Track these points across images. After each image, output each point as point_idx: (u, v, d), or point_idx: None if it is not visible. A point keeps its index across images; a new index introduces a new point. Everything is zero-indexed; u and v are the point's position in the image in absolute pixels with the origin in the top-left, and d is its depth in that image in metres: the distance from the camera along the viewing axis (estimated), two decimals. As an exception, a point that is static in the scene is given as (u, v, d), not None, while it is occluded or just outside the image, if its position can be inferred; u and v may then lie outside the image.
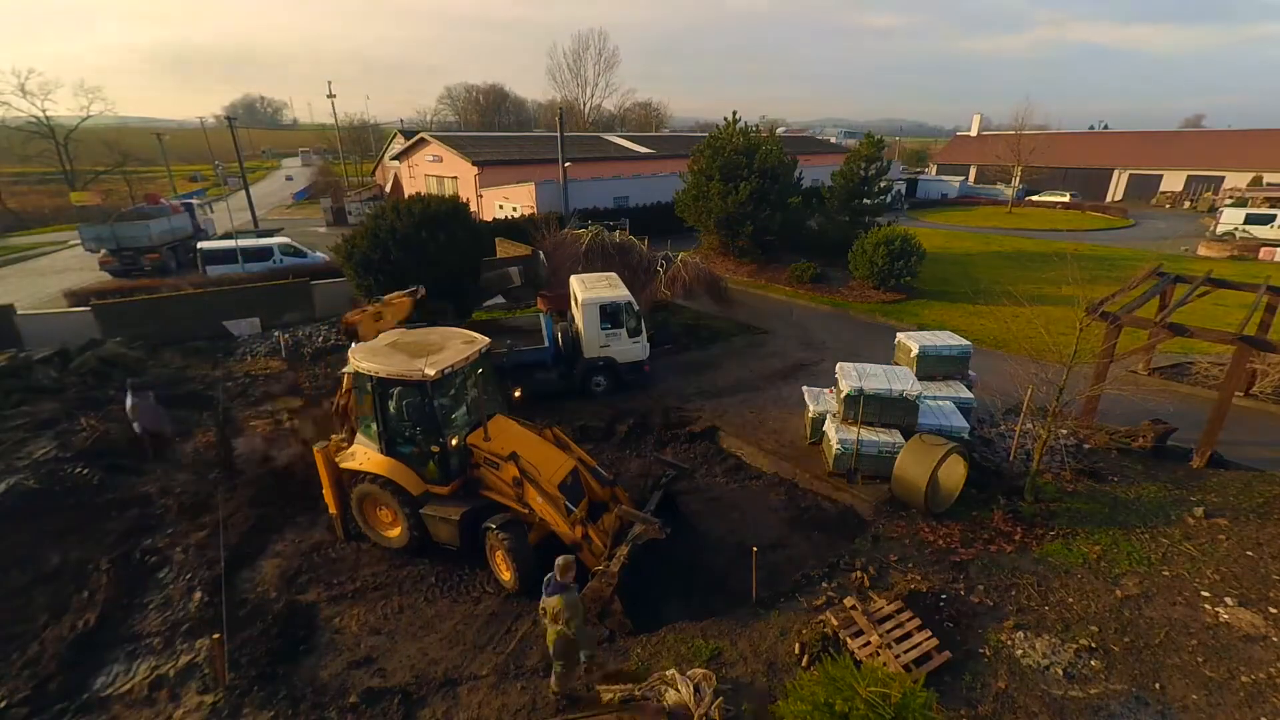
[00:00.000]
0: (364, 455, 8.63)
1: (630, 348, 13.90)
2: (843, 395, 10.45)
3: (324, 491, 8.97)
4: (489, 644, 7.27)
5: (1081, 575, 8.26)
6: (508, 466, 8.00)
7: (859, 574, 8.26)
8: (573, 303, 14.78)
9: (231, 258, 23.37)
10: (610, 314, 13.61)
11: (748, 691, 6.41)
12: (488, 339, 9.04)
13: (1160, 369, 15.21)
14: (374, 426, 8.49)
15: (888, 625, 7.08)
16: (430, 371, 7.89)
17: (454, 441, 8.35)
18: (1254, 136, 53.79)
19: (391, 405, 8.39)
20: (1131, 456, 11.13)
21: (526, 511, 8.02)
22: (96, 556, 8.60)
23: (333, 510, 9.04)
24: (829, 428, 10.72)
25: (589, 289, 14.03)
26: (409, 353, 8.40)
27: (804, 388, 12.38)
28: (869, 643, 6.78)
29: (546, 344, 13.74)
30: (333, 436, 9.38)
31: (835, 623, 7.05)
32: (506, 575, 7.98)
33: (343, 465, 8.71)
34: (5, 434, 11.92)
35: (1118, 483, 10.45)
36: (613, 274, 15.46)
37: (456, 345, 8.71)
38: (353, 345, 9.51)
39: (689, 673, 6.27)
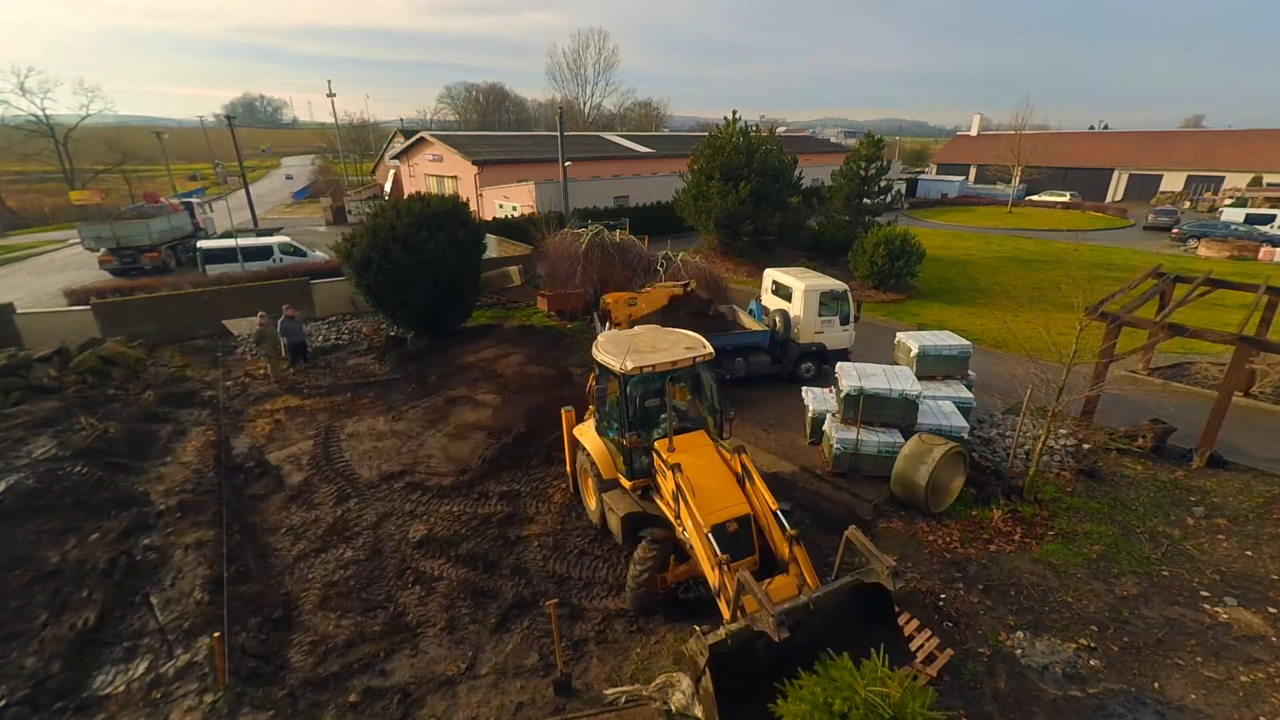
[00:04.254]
0: (588, 429, 9.26)
1: (840, 334, 14.58)
2: (842, 395, 10.46)
3: (565, 451, 9.92)
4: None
5: (1081, 575, 8.27)
6: (671, 477, 7.24)
7: (858, 574, 8.26)
8: (767, 292, 15.79)
9: (231, 256, 23.35)
10: (829, 301, 14.28)
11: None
12: (710, 350, 8.34)
13: (1160, 369, 15.22)
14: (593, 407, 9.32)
15: None
16: (629, 365, 7.83)
17: (633, 439, 7.89)
18: (1254, 136, 53.79)
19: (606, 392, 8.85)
20: (1131, 456, 11.14)
21: (683, 534, 7.17)
22: (96, 555, 8.59)
23: (567, 469, 10.05)
24: (829, 427, 10.72)
25: (803, 278, 14.63)
26: (632, 346, 8.34)
27: (804, 388, 12.39)
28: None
29: (760, 329, 14.55)
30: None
31: None
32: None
33: (574, 432, 9.47)
34: (5, 433, 11.92)
35: (1118, 483, 10.45)
36: (803, 268, 16.92)
37: (675, 348, 8.32)
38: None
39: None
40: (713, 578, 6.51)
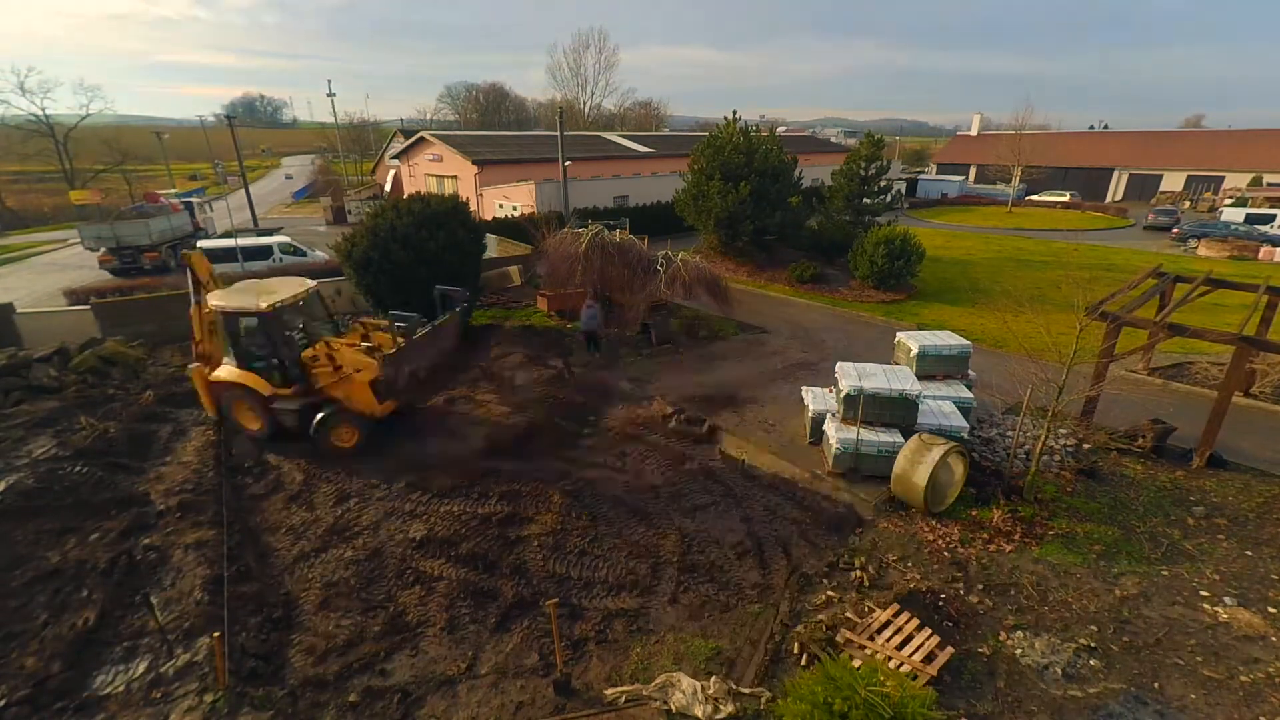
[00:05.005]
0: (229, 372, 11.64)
1: None
2: (842, 395, 10.46)
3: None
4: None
5: (1081, 575, 8.27)
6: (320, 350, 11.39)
7: (859, 573, 8.27)
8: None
9: (231, 256, 23.35)
10: None
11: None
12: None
13: (1160, 369, 15.22)
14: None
15: (887, 633, 7.08)
16: (263, 304, 10.84)
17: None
18: (1254, 136, 53.80)
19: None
20: (1131, 456, 11.14)
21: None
22: (96, 555, 8.60)
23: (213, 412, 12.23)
24: (829, 427, 10.72)
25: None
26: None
27: (804, 387, 12.39)
28: (872, 655, 6.77)
29: None
30: None
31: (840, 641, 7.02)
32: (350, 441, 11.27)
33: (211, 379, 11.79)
34: (5, 432, 11.92)
35: (1118, 483, 10.46)
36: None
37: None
38: None
39: (708, 690, 6.24)
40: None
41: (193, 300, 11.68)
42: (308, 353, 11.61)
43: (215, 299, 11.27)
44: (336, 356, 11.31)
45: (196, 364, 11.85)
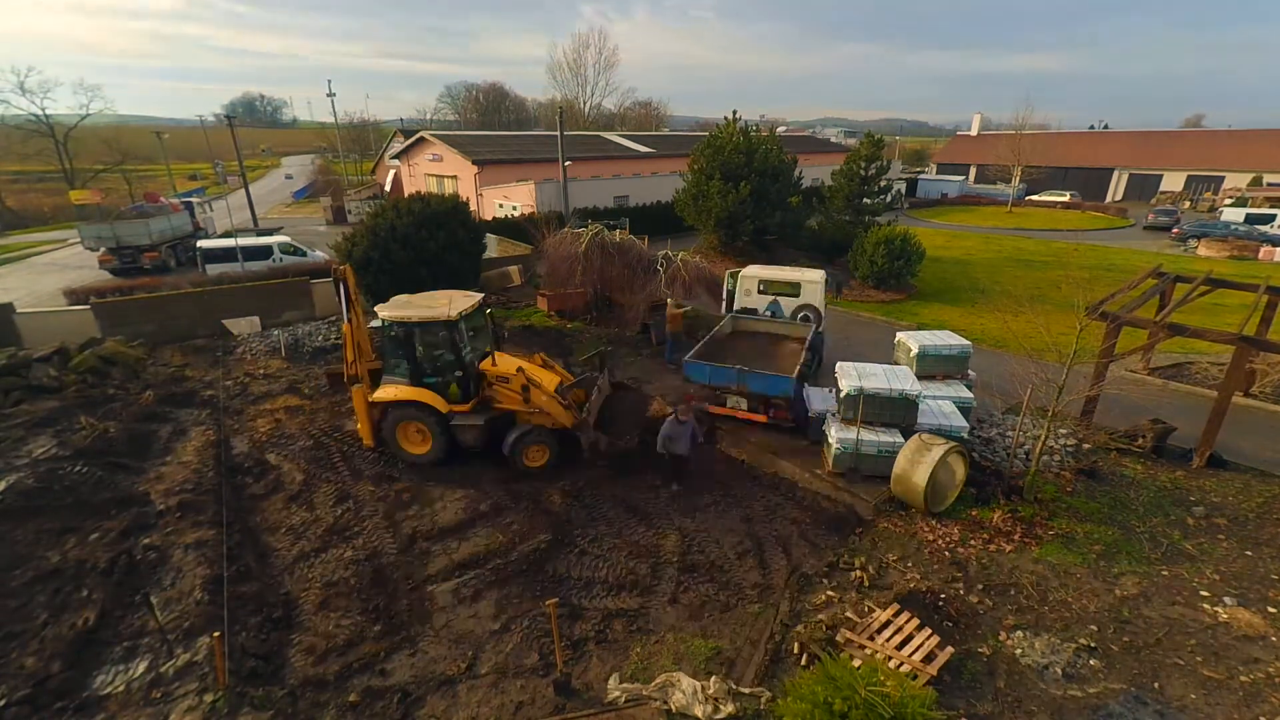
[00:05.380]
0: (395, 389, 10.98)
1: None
2: (842, 394, 10.45)
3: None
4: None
5: (1081, 575, 8.27)
6: (517, 379, 10.43)
7: (859, 573, 8.27)
8: (750, 293, 16.00)
9: (231, 256, 23.35)
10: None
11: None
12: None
13: (1160, 369, 15.22)
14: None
15: (887, 633, 7.08)
16: (453, 312, 10.29)
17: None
18: (1254, 136, 53.80)
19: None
20: (1131, 456, 11.14)
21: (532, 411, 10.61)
22: (96, 555, 8.59)
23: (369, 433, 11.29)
24: (829, 427, 10.72)
25: (801, 273, 15.72)
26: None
27: (806, 387, 12.38)
28: (872, 655, 6.77)
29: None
30: None
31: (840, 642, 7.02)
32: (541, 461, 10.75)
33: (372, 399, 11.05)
34: (5, 432, 11.92)
35: (1118, 483, 10.46)
36: (767, 265, 18.03)
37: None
38: None
39: (708, 690, 6.24)
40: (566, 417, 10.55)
41: (344, 317, 10.83)
42: (485, 364, 10.83)
43: (389, 311, 10.45)
44: (533, 391, 10.39)
45: (357, 386, 10.77)
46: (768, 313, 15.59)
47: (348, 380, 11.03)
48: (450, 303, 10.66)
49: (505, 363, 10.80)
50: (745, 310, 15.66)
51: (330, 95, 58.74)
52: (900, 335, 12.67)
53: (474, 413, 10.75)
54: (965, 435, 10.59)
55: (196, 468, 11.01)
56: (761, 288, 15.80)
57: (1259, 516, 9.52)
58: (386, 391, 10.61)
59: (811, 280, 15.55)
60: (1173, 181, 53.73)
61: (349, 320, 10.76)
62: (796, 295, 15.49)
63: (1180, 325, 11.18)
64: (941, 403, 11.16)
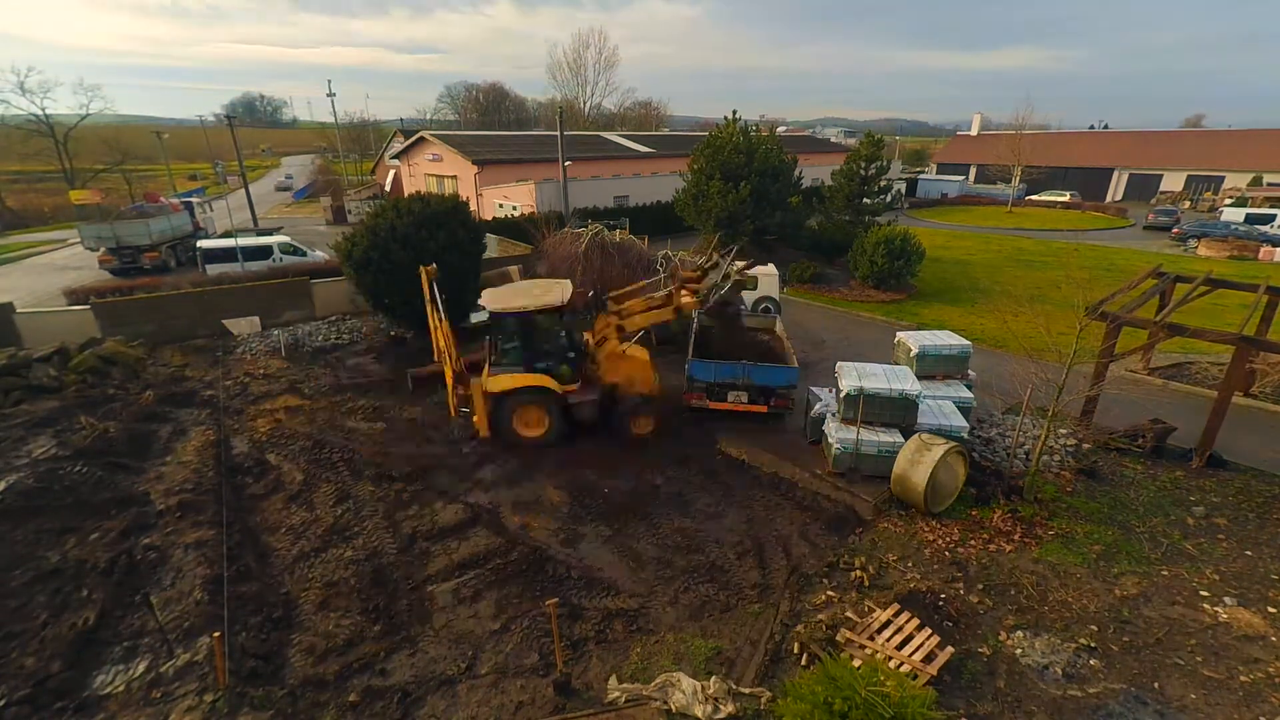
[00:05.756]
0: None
1: None
2: (842, 394, 10.45)
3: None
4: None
5: (1080, 575, 8.27)
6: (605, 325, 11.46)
7: (859, 573, 8.27)
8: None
9: (231, 256, 23.35)
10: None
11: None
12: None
13: (1160, 369, 15.22)
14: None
15: (887, 633, 7.08)
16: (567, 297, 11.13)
17: None
18: (1254, 136, 53.81)
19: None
20: (1131, 456, 11.14)
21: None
22: (96, 555, 8.59)
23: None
24: (829, 427, 10.72)
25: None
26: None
27: (809, 387, 12.38)
28: (872, 655, 6.77)
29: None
30: None
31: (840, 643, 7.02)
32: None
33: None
34: (5, 432, 11.92)
35: (1118, 483, 10.46)
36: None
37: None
38: None
39: (708, 690, 6.24)
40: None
41: (439, 315, 11.06)
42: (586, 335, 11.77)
43: (494, 303, 11.01)
44: (626, 321, 11.40)
45: (476, 380, 11.27)
46: None
47: (455, 375, 11.12)
48: (561, 290, 11.30)
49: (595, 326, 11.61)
50: None
51: (330, 95, 58.76)
52: (900, 335, 12.67)
53: (586, 390, 11.46)
54: (965, 435, 10.59)
55: (196, 468, 11.01)
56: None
57: (1259, 516, 9.52)
58: (502, 381, 11.01)
59: (768, 274, 16.78)
60: (1173, 181, 53.74)
61: (439, 319, 11.04)
62: (754, 288, 16.18)
63: (1180, 325, 11.18)
64: (941, 403, 11.16)
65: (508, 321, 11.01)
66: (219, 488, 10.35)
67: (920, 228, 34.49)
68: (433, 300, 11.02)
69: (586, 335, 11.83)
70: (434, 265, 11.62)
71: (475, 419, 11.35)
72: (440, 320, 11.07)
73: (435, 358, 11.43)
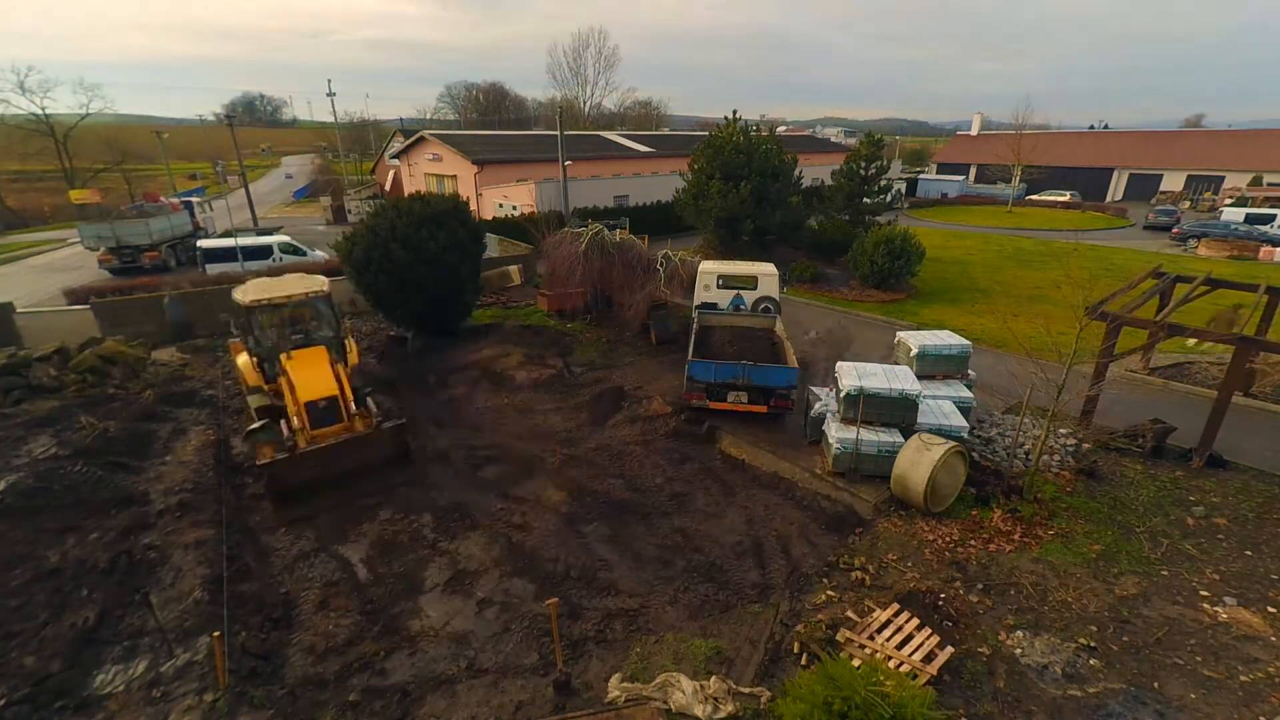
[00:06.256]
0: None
1: None
2: (842, 394, 10.45)
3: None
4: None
5: (1080, 575, 8.27)
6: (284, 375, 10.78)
7: (858, 573, 8.27)
8: (709, 288, 16.38)
9: (231, 256, 23.35)
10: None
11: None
12: (322, 286, 11.79)
13: (1160, 369, 15.22)
14: None
15: (887, 633, 7.08)
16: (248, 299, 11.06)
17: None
18: (1254, 136, 53.83)
19: None
20: (1131, 456, 11.14)
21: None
22: (96, 554, 8.59)
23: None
24: (828, 427, 10.72)
25: (756, 266, 16.30)
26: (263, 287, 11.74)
27: (809, 388, 12.39)
28: (872, 655, 6.77)
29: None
30: None
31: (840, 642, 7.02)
32: None
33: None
34: (5, 432, 11.92)
35: (1118, 483, 10.46)
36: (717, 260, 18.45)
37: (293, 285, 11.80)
38: None
39: (708, 689, 6.24)
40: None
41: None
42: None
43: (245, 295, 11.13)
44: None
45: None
46: (731, 306, 16.01)
47: None
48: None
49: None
50: (705, 305, 16.00)
51: (330, 95, 58.69)
52: (900, 335, 12.67)
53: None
54: (965, 435, 10.59)
55: (196, 467, 11.01)
56: (720, 282, 16.22)
57: (1259, 516, 9.52)
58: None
59: (767, 274, 16.27)
60: (1173, 181, 53.73)
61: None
62: (755, 288, 16.10)
63: (1180, 325, 11.19)
64: (941, 403, 11.16)
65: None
66: (218, 487, 10.35)
67: (920, 227, 34.48)
68: None
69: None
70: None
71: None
72: None
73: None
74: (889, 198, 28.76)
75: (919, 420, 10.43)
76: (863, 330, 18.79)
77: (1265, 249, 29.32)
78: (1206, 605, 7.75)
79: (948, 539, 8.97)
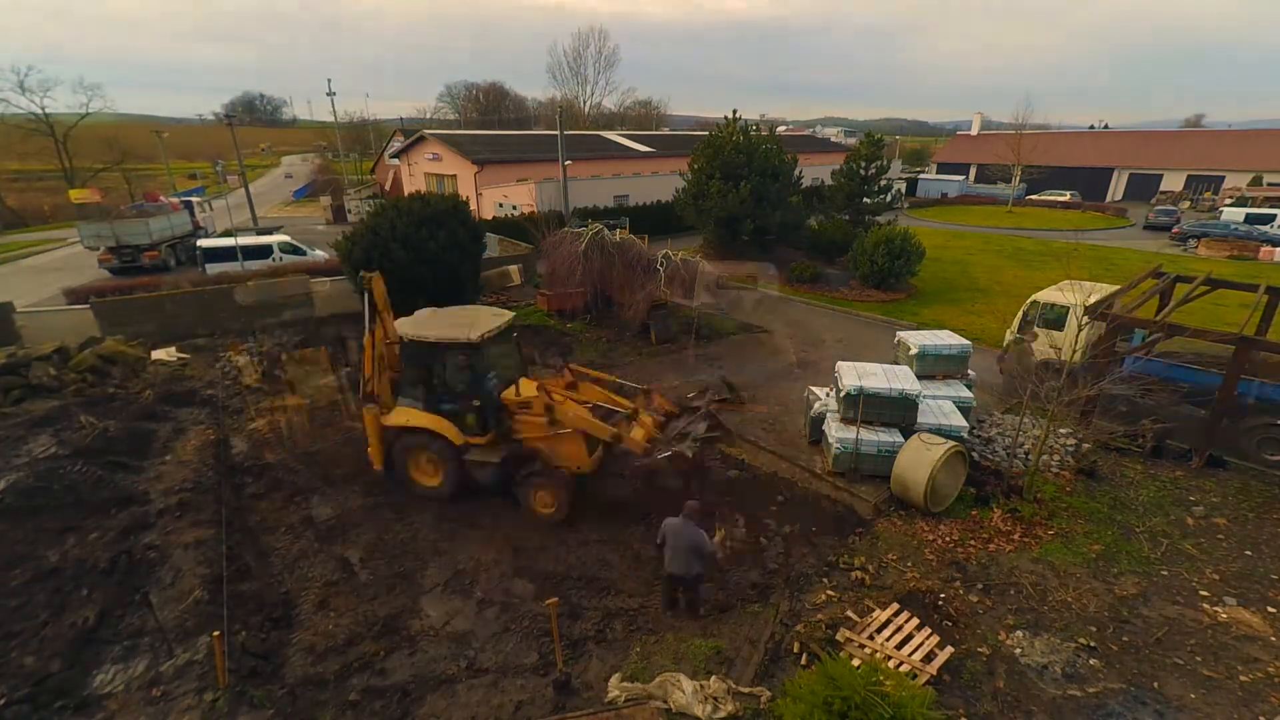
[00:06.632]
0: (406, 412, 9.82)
1: None
2: (842, 394, 10.46)
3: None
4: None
5: (1080, 575, 8.27)
6: (538, 400, 9.23)
7: (858, 573, 8.27)
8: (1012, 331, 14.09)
9: (231, 255, 23.35)
10: None
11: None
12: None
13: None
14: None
15: (886, 633, 7.08)
16: (474, 335, 9.16)
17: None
18: (1254, 136, 53.85)
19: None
20: (1131, 456, 11.14)
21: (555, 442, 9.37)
22: (96, 554, 8.59)
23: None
24: (829, 427, 10.72)
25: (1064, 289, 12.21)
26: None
27: (807, 386, 12.39)
28: (872, 654, 6.77)
29: None
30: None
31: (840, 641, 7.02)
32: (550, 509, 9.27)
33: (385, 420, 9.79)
34: (4, 431, 11.92)
35: (1117, 483, 10.46)
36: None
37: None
38: None
39: (708, 689, 6.24)
40: (608, 429, 9.14)
41: (366, 329, 9.56)
42: (507, 394, 9.62)
43: (407, 327, 9.46)
44: (557, 408, 9.13)
45: (371, 406, 9.60)
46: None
47: (362, 397, 9.81)
48: (473, 323, 9.53)
49: (527, 388, 9.65)
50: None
51: (330, 95, 58.64)
52: (900, 335, 12.67)
53: (490, 447, 9.53)
54: (965, 435, 10.59)
55: (196, 467, 11.00)
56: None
57: (1259, 516, 9.52)
58: (398, 416, 9.60)
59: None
60: (1173, 181, 53.73)
61: (371, 332, 9.57)
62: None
63: (1180, 325, 11.18)
64: (941, 403, 11.16)
65: (412, 350, 9.57)
66: (218, 487, 10.35)
67: (920, 227, 34.47)
68: (373, 311, 9.57)
69: (509, 391, 9.66)
70: (379, 275, 9.86)
71: (369, 449, 9.94)
72: (380, 334, 9.74)
73: (364, 377, 9.91)
74: (889, 197, 28.75)
75: (919, 420, 10.42)
76: (862, 330, 18.79)
77: (1265, 249, 29.33)
78: (1206, 605, 7.76)
79: (948, 539, 8.97)
